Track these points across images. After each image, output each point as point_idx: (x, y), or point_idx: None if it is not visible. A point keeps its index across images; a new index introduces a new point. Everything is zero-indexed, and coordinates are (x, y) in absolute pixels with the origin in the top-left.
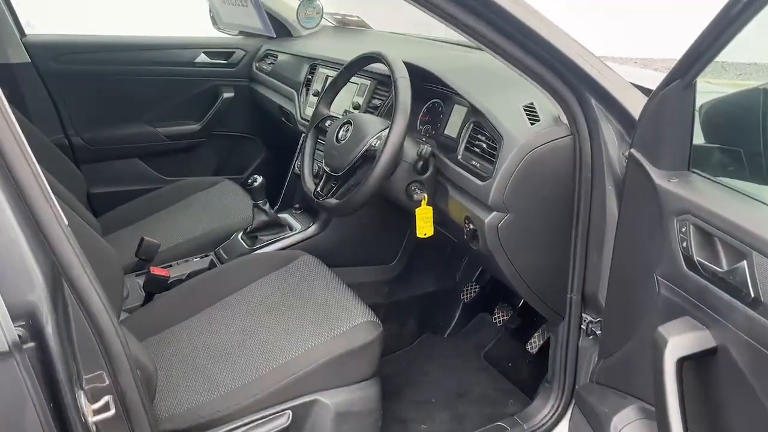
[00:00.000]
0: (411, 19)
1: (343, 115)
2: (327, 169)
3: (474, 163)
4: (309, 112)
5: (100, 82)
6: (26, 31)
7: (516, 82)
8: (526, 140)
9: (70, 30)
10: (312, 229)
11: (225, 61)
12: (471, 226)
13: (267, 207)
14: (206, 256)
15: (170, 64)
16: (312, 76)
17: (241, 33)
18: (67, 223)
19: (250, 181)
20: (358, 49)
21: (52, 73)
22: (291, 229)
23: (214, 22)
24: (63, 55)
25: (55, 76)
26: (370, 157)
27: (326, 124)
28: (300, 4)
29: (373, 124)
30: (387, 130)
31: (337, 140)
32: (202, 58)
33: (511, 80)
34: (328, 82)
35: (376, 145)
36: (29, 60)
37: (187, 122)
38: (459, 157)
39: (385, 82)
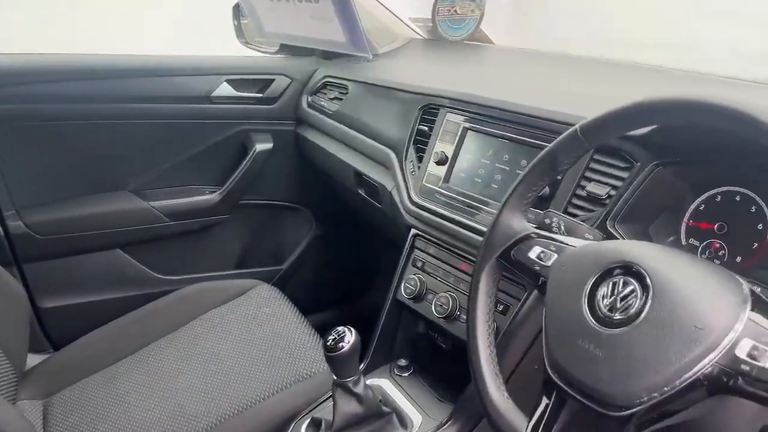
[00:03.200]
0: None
1: (570, 235)
2: (578, 396)
3: None
4: (427, 190)
5: (61, 130)
6: None
7: None
8: None
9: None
10: (451, 428)
11: (260, 95)
12: None
13: (361, 387)
14: None
15: (174, 100)
16: (430, 128)
17: (282, 49)
18: None
19: (330, 341)
20: (511, 81)
21: None
22: (404, 424)
23: (241, 34)
24: (4, 86)
25: None
26: (726, 386)
27: (534, 256)
28: None
29: (717, 290)
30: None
31: (603, 318)
32: (225, 89)
33: None
34: (464, 144)
35: (759, 356)
36: None
37: (200, 190)
38: None
39: (608, 151)
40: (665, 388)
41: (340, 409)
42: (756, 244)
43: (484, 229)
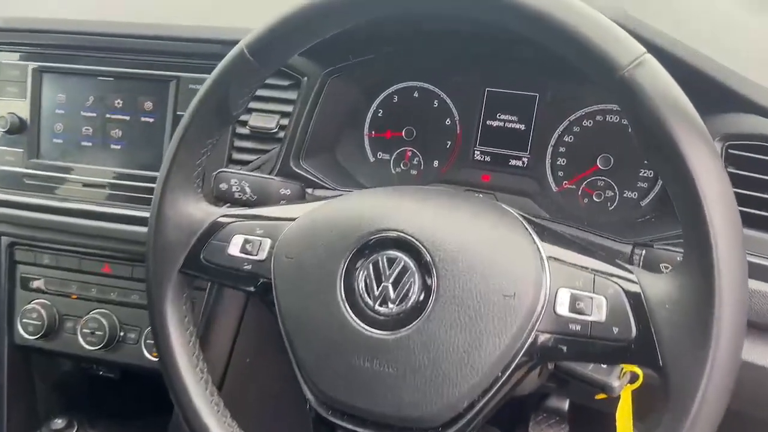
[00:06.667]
0: None
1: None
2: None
3: None
4: (7, 176)
5: None
6: None
7: None
8: None
9: None
10: None
11: None
12: None
13: None
14: None
15: None
16: None
17: None
18: None
19: None
20: None
21: None
22: None
23: None
24: None
25: None
26: (558, 354)
27: (238, 252)
28: None
29: (505, 237)
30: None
31: (377, 318)
32: None
33: None
34: (43, 95)
35: (585, 307)
36: None
37: None
38: None
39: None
40: (488, 386)
41: None
42: (449, 142)
43: (122, 212)
